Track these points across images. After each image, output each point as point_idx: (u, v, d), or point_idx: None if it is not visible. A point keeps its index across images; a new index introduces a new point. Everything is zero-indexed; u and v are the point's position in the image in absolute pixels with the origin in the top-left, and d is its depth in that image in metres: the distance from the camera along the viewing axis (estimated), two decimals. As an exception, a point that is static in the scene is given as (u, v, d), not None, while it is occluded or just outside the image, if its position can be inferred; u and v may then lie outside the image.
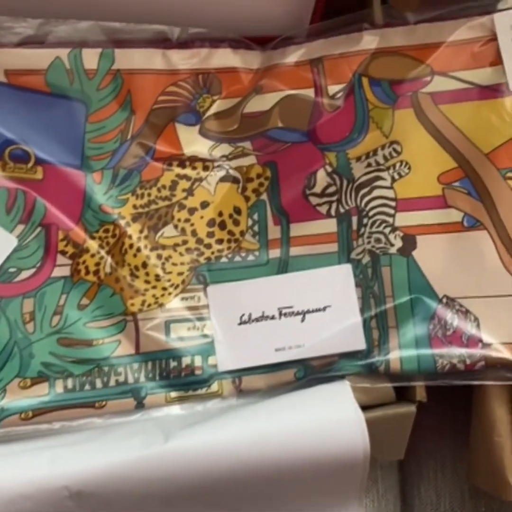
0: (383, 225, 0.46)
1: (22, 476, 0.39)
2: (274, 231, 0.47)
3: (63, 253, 0.44)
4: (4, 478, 0.39)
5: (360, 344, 0.45)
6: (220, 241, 0.47)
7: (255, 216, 0.47)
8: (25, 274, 0.43)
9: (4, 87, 0.44)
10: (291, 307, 0.46)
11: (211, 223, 0.47)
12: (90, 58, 0.45)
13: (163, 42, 0.46)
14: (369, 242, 0.46)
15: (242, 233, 0.47)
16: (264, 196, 0.47)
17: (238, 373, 0.45)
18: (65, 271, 0.44)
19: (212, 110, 0.47)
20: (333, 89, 0.47)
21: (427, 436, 0.50)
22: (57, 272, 0.44)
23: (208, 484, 0.41)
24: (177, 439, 0.41)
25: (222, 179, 0.47)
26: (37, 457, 0.40)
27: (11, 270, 0.43)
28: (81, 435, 0.42)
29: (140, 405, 0.44)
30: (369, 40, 0.47)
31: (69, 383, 0.43)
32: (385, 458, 0.45)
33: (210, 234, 0.47)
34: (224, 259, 0.47)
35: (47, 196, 0.44)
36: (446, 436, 0.52)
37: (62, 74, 0.44)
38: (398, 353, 0.44)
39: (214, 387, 0.45)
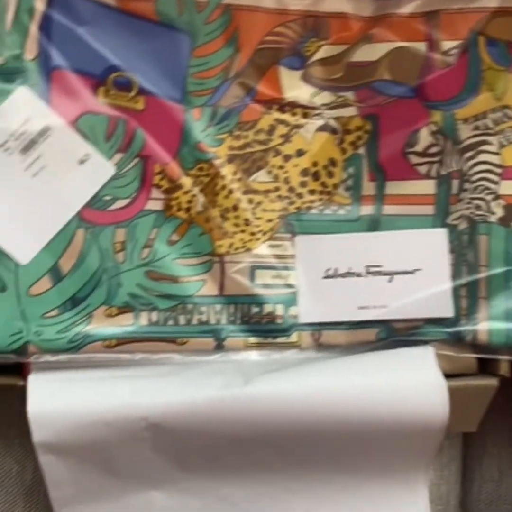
0: (486, 191, 0.45)
1: (103, 402, 0.40)
2: (368, 187, 0.46)
3: (158, 187, 0.44)
4: (84, 401, 0.40)
5: (448, 311, 0.44)
6: (312, 192, 0.46)
7: (350, 170, 0.46)
8: (120, 204, 0.43)
9: (113, 11, 0.43)
10: (379, 266, 0.45)
11: (304, 172, 0.46)
12: (202, -11, 0.44)
13: (276, -20, 0.45)
14: (468, 208, 0.45)
15: (335, 186, 0.46)
16: (361, 150, 0.46)
17: (319, 327, 0.45)
18: (158, 205, 0.44)
19: (317, 55, 0.46)
20: (447, 45, 0.45)
21: (495, 411, 0.49)
22: (151, 205, 0.44)
23: (282, 431, 0.41)
24: (257, 384, 0.41)
25: (321, 128, 0.46)
26: (118, 385, 0.40)
27: (107, 198, 0.43)
28: (161, 368, 0.42)
29: (219, 346, 0.44)
30: (490, -3, 0.45)
31: (154, 316, 0.43)
32: (457, 429, 0.45)
33: (303, 184, 0.46)
34: (314, 211, 0.46)
35: (147, 127, 0.44)
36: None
37: (172, 4, 0.43)
38: (486, 325, 0.43)
39: (293, 337, 0.45)
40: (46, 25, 0.42)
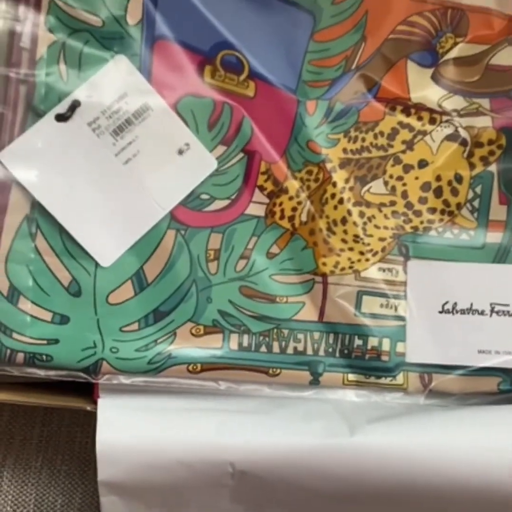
0: None
1: (185, 440, 0.34)
2: (498, 211, 0.40)
3: (262, 188, 0.38)
4: (162, 438, 0.34)
5: None
6: (432, 210, 0.40)
7: (478, 189, 0.40)
8: (218, 204, 0.37)
9: (229, -22, 0.37)
10: (507, 305, 0.39)
11: (426, 187, 0.40)
12: (341, -36, 0.37)
13: (419, -39, 0.39)
14: None
15: (459, 206, 0.40)
16: (493, 167, 0.40)
17: (430, 369, 0.39)
18: (260, 210, 0.38)
19: (452, 54, 0.40)
20: None
21: None
22: (252, 209, 0.38)
23: (391, 489, 0.35)
24: (365, 435, 0.35)
25: (448, 138, 0.40)
26: (203, 421, 0.34)
27: (204, 196, 0.37)
28: (249, 403, 0.36)
29: (315, 381, 0.38)
30: None
31: (245, 340, 0.37)
32: None
33: (423, 200, 0.40)
34: (433, 232, 0.40)
35: (256, 117, 0.38)
36: None
37: (298, -24, 0.37)
38: None
39: (400, 378, 0.39)
40: (154, -13, 0.36)
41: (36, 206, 0.35)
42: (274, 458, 0.34)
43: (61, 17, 0.35)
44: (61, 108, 0.35)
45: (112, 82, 0.35)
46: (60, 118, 0.35)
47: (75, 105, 0.35)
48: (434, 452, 0.35)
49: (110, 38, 0.35)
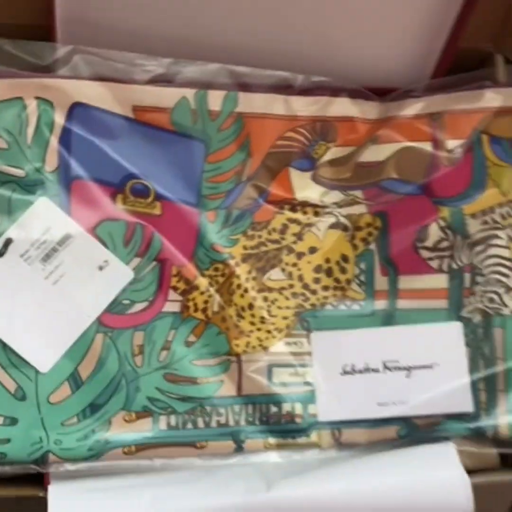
0: (498, 284, 0.44)
1: (124, 512, 0.38)
2: (381, 282, 0.46)
3: (175, 288, 0.44)
4: (106, 514, 0.39)
5: (467, 406, 0.43)
6: (326, 288, 0.46)
7: (362, 265, 0.46)
8: (138, 307, 0.43)
9: (130, 122, 0.44)
10: (396, 361, 0.45)
11: (318, 269, 0.46)
12: (215, 99, 0.45)
13: (285, 89, 0.46)
14: (481, 301, 0.45)
15: (348, 282, 0.46)
16: (372, 246, 0.46)
17: (339, 425, 0.44)
18: (175, 307, 0.44)
19: (326, 157, 0.47)
20: (452, 143, 0.46)
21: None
22: (168, 307, 0.44)
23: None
24: (280, 489, 0.39)
25: (332, 226, 0.46)
26: (138, 495, 0.39)
27: (125, 302, 0.43)
28: (181, 475, 0.41)
29: (239, 449, 0.43)
30: (492, 98, 0.46)
31: (173, 420, 0.42)
32: (484, 526, 0.43)
33: (317, 280, 0.46)
34: (329, 306, 0.46)
35: (164, 231, 0.44)
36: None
37: (186, 114, 0.45)
38: (507, 419, 0.43)
39: (313, 437, 0.44)
40: (65, 138, 0.43)
41: (-17, 329, 0.41)
42: (202, 519, 0.39)
43: (-10, 174, 0.42)
44: (-3, 246, 0.41)
45: (38, 220, 0.42)
46: (-3, 254, 0.41)
47: (8, 243, 0.41)
48: (343, 495, 0.40)
49: (33, 185, 0.42)
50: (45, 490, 0.39)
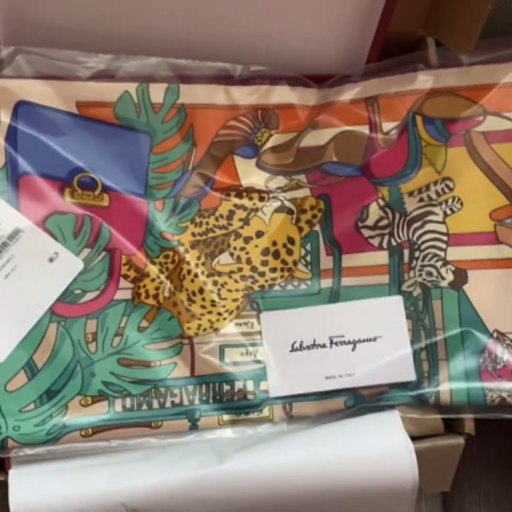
0: (435, 258, 0.46)
1: (81, 491, 0.40)
2: (326, 262, 0.48)
3: (126, 277, 0.45)
4: (64, 493, 0.40)
5: (410, 375, 0.45)
6: (273, 270, 0.47)
7: (308, 247, 0.48)
8: (89, 296, 0.44)
9: (75, 118, 0.45)
10: (342, 336, 0.46)
11: (265, 252, 0.47)
12: (157, 92, 0.46)
13: (225, 79, 0.47)
14: (420, 275, 0.47)
15: (295, 263, 0.48)
16: (317, 227, 0.48)
17: (289, 399, 0.45)
18: (127, 294, 0.45)
19: (269, 144, 0.48)
20: (387, 126, 0.48)
21: (471, 470, 0.49)
22: (120, 295, 0.45)
23: (258, 505, 0.41)
24: (231, 461, 0.41)
25: (277, 210, 0.48)
26: (96, 474, 0.41)
27: (77, 292, 0.44)
28: (137, 453, 0.43)
29: (194, 427, 0.44)
30: (424, 80, 0.48)
31: (128, 402, 0.44)
32: (431, 490, 0.45)
33: (264, 263, 0.47)
34: (277, 287, 0.47)
35: (112, 222, 0.45)
36: (490, 470, 0.52)
37: (130, 107, 0.46)
38: (448, 386, 0.44)
39: (265, 412, 0.45)
40: (11, 136, 0.44)
41: None
42: (157, 494, 0.40)
43: None
44: None
45: (-13, 217, 0.43)
46: None
47: (-41, 239, 0.43)
48: (292, 465, 0.41)
49: (-19, 182, 0.43)
50: (6, 474, 0.40)
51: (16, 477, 0.39)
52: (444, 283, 0.45)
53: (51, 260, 0.44)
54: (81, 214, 0.45)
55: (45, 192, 0.44)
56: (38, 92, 0.44)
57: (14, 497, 0.39)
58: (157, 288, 0.45)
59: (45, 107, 0.44)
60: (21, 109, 0.44)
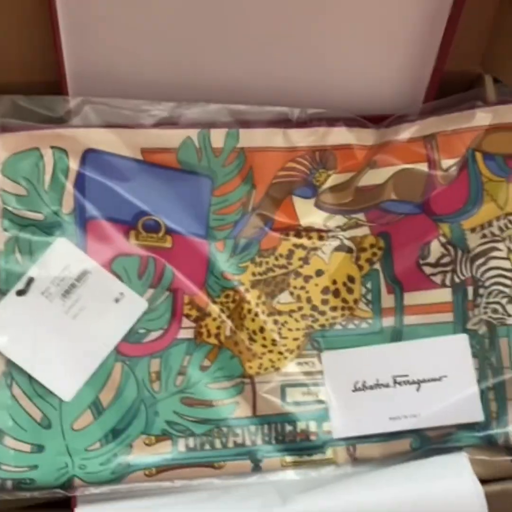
0: (500, 295, 0.45)
1: (146, 531, 0.40)
2: (387, 300, 0.47)
3: (188, 316, 0.46)
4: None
5: (478, 415, 0.43)
6: (334, 309, 0.47)
7: (369, 285, 0.47)
8: (153, 335, 0.45)
9: (140, 164, 0.47)
10: (406, 375, 0.45)
11: (325, 290, 0.47)
12: (218, 137, 0.47)
13: (283, 122, 0.48)
14: (485, 313, 0.45)
15: (355, 301, 0.47)
16: (377, 265, 0.47)
17: (353, 441, 0.44)
18: (189, 334, 0.45)
19: (327, 184, 0.48)
20: (446, 163, 0.47)
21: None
22: (182, 334, 0.45)
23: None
24: (295, 503, 0.40)
25: (337, 249, 0.48)
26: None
27: (141, 331, 0.45)
28: (201, 494, 0.42)
29: (256, 468, 0.44)
30: (482, 117, 0.47)
31: (191, 442, 0.43)
32: (504, 536, 0.42)
33: (325, 302, 0.47)
34: (338, 326, 0.47)
35: (175, 263, 0.46)
36: None
37: (192, 152, 0.47)
38: (517, 427, 0.42)
39: (329, 453, 0.44)
40: (80, 182, 0.45)
41: (10, 363, 0.43)
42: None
43: (12, 219, 0.45)
44: (20, 285, 0.44)
45: (57, 259, 0.44)
46: (20, 293, 0.44)
47: (30, 281, 0.44)
48: (358, 507, 0.40)
49: (51, 227, 0.45)
50: (72, 512, 0.40)
51: (82, 516, 0.39)
52: (510, 321, 0.44)
53: (116, 300, 0.44)
54: (146, 256, 0.45)
55: (111, 235, 0.45)
56: (105, 140, 0.45)
57: (81, 537, 0.39)
58: (218, 328, 0.46)
59: (112, 154, 0.46)
60: (89, 156, 0.45)
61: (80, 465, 0.42)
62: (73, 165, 0.45)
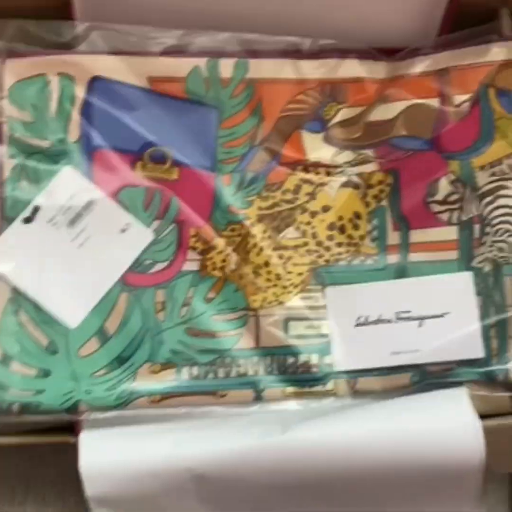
0: (507, 234, 0.45)
1: (149, 455, 0.41)
2: (393, 237, 0.47)
3: (193, 249, 0.46)
4: (133, 456, 0.41)
5: (478, 352, 0.44)
6: (339, 244, 0.47)
7: (375, 222, 0.47)
8: (159, 267, 0.45)
9: (146, 93, 0.46)
10: (408, 311, 0.45)
11: (331, 226, 0.47)
12: (226, 67, 0.46)
13: (294, 53, 0.47)
14: (491, 251, 0.45)
15: (361, 238, 0.47)
16: (384, 202, 0.47)
17: (354, 374, 0.45)
18: (194, 266, 0.45)
19: (337, 118, 0.47)
20: (458, 98, 0.46)
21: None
22: (187, 266, 0.45)
23: (323, 477, 0.41)
24: (294, 431, 0.41)
25: (344, 185, 0.47)
26: (163, 439, 0.41)
27: (147, 262, 0.45)
28: (203, 421, 0.43)
29: (258, 397, 0.44)
30: (497, 52, 0.46)
31: (195, 371, 0.44)
32: (499, 470, 0.43)
33: (330, 237, 0.47)
34: (343, 262, 0.46)
35: (181, 195, 0.45)
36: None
37: (199, 82, 0.46)
38: (517, 363, 0.43)
39: (330, 385, 0.45)
40: (86, 110, 0.45)
41: (16, 289, 0.43)
42: (221, 461, 0.40)
43: (18, 146, 0.44)
44: (26, 212, 0.44)
45: (63, 188, 0.44)
46: (26, 220, 0.44)
47: (36, 209, 0.44)
48: (356, 437, 0.41)
49: (57, 155, 0.44)
50: (77, 437, 0.41)
51: (86, 440, 0.40)
52: (516, 259, 0.44)
53: (123, 231, 0.44)
54: (152, 187, 0.45)
55: (117, 165, 0.45)
56: (112, 67, 0.45)
57: (84, 459, 0.40)
58: (223, 261, 0.46)
59: (118, 82, 0.45)
60: (96, 84, 0.45)
61: (85, 390, 0.42)
62: (80, 92, 0.44)
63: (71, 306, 0.43)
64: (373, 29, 0.48)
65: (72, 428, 0.42)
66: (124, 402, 0.43)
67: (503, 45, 0.46)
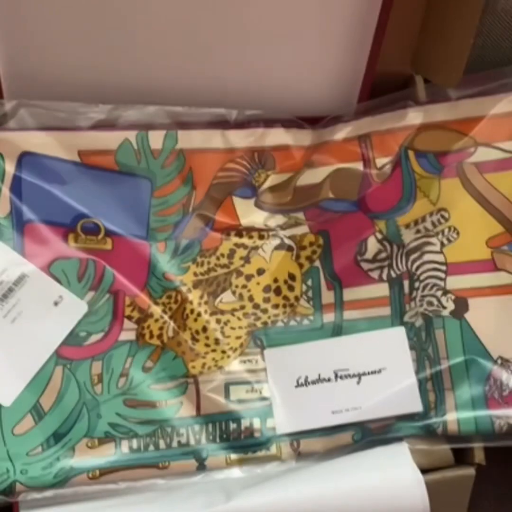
0: (435, 288, 0.46)
1: (90, 535, 0.39)
2: (327, 296, 0.48)
3: (130, 318, 0.46)
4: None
5: (416, 406, 0.45)
6: (276, 306, 0.47)
7: (309, 282, 0.48)
8: (94, 338, 0.45)
9: (77, 166, 0.46)
10: (347, 369, 0.46)
11: (267, 289, 0.48)
12: (156, 139, 0.47)
13: (221, 124, 0.49)
14: (421, 305, 0.46)
15: (296, 298, 0.48)
16: (317, 263, 0.48)
17: (296, 436, 0.45)
18: (131, 335, 0.45)
19: (267, 184, 0.49)
20: (380, 161, 0.49)
21: (485, 503, 0.48)
22: (124, 336, 0.45)
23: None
24: (239, 498, 0.40)
25: (277, 247, 0.48)
26: (103, 517, 0.40)
27: (82, 334, 0.45)
28: (146, 495, 0.42)
29: (201, 467, 0.44)
30: (414, 116, 0.49)
31: (134, 443, 0.43)
32: (446, 522, 0.44)
33: (266, 300, 0.47)
34: (280, 324, 0.47)
35: (115, 265, 0.46)
36: (507, 501, 0.50)
37: (130, 154, 0.47)
38: (455, 415, 0.44)
39: (273, 449, 0.45)
40: (16, 186, 0.45)
41: None
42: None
43: None
44: (-44, 290, 0.43)
45: (-6, 262, 0.44)
46: (-44, 298, 0.43)
47: (-34, 286, 0.43)
48: (301, 501, 0.41)
49: (-15, 231, 0.44)
50: (14, 519, 0.39)
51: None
52: (445, 312, 0.45)
53: (56, 303, 0.44)
54: (85, 258, 0.45)
55: (49, 238, 0.45)
56: (41, 142, 0.45)
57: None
58: (160, 328, 0.46)
59: (48, 156, 0.45)
60: (25, 159, 0.45)
61: (21, 470, 0.41)
62: (9, 168, 0.45)
63: (4, 384, 0.42)
64: (296, 99, 0.50)
65: (9, 509, 0.41)
66: (62, 480, 0.41)
67: (419, 110, 0.48)
